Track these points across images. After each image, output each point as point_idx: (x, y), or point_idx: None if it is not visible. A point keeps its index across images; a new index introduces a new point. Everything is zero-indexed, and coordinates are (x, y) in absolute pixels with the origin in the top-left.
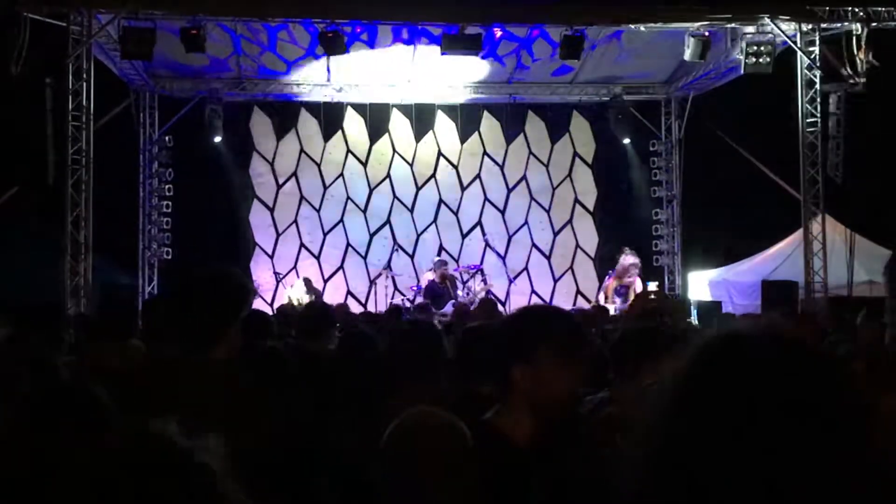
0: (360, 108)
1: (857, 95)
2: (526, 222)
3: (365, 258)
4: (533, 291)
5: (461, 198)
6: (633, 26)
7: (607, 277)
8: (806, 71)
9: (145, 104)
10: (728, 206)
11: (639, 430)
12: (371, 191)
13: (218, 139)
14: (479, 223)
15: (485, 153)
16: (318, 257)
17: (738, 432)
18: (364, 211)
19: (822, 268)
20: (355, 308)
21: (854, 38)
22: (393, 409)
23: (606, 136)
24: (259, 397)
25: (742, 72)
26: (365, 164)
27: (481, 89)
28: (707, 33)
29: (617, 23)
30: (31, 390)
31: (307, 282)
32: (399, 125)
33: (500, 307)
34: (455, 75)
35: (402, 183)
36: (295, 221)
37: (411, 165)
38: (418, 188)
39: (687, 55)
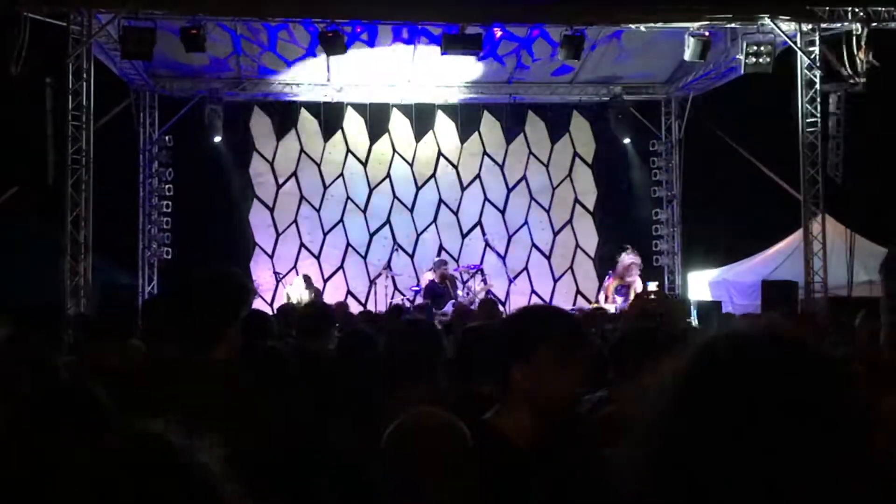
0: (360, 108)
1: (857, 95)
2: (526, 222)
3: (365, 258)
4: (533, 291)
5: (461, 198)
6: (633, 26)
7: (607, 278)
8: (806, 71)
9: (145, 104)
10: (728, 206)
11: (639, 430)
12: (371, 191)
13: (218, 139)
14: (479, 223)
15: (485, 153)
16: (318, 257)
17: (738, 432)
18: (364, 211)
19: (822, 268)
20: (355, 308)
21: (854, 38)
22: (393, 409)
23: (606, 136)
24: (259, 397)
25: (742, 72)
26: (365, 164)
27: (481, 89)
28: (707, 33)
29: (617, 23)
30: (31, 390)
31: (306, 279)
32: (399, 125)
33: (500, 307)
34: (455, 75)
35: (402, 183)
36: (295, 221)
37: (411, 165)
38: (418, 188)
39: (687, 55)
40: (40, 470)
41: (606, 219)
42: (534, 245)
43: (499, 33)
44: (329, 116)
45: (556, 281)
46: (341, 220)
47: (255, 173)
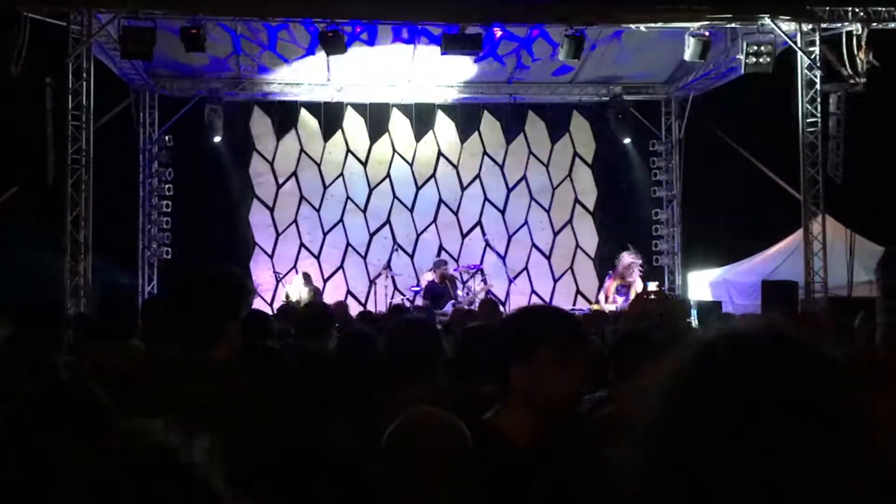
0: (360, 107)
1: (857, 95)
2: (526, 222)
3: (365, 258)
4: (533, 291)
5: (461, 198)
6: (633, 26)
7: (607, 278)
8: (806, 71)
9: (145, 104)
10: (728, 206)
11: (639, 430)
12: (371, 191)
13: (218, 139)
14: (479, 223)
15: (485, 153)
16: (317, 257)
17: (738, 432)
18: (364, 211)
19: (822, 268)
20: (355, 308)
21: (854, 38)
22: (393, 409)
23: (606, 136)
24: (259, 397)
25: (742, 72)
26: (365, 164)
27: (481, 89)
28: (707, 33)
29: (617, 23)
30: (31, 390)
31: (306, 276)
32: (399, 125)
33: (500, 307)
34: (455, 75)
35: (402, 183)
36: (295, 221)
37: (411, 165)
38: (418, 188)
39: (687, 55)
40: (40, 470)
41: (606, 219)
42: (534, 245)
43: (499, 33)
44: (329, 116)
45: (556, 281)
46: (341, 220)
47: (255, 173)
